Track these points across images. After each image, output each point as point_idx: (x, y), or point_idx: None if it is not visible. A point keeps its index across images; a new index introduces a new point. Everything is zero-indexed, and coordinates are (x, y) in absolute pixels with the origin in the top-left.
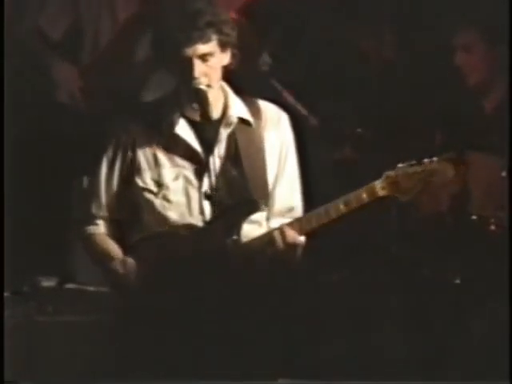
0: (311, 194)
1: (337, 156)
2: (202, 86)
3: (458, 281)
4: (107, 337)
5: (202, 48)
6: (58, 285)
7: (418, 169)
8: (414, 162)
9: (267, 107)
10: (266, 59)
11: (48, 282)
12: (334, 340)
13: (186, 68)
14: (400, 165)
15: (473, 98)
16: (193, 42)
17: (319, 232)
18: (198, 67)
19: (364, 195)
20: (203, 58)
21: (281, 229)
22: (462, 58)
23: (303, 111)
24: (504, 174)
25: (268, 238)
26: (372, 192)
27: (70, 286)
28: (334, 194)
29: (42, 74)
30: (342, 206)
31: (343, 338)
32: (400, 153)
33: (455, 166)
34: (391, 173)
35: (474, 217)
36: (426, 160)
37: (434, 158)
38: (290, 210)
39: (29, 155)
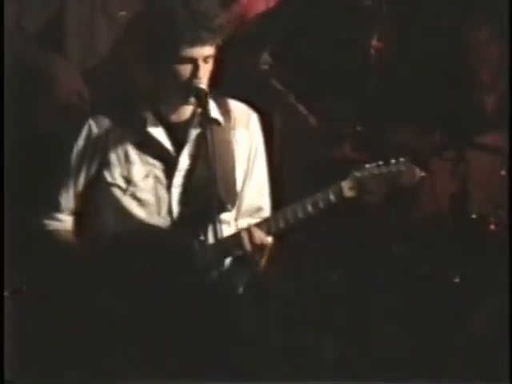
0: (311, 193)
1: (336, 155)
2: (203, 86)
3: (457, 280)
4: (107, 336)
5: (207, 50)
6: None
7: (385, 170)
8: (381, 162)
9: (237, 107)
10: (266, 59)
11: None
12: (334, 340)
13: (187, 67)
14: (367, 165)
15: (473, 97)
16: (202, 43)
17: (319, 231)
18: (202, 68)
19: (331, 196)
20: (205, 59)
21: (248, 229)
22: (463, 58)
23: (303, 111)
24: (503, 172)
25: (236, 238)
26: (339, 192)
27: None
28: None
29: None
30: (309, 207)
31: (343, 338)
32: (400, 152)
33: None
34: (358, 173)
35: (474, 216)
36: (392, 161)
37: (401, 159)
38: (258, 209)
39: (29, 155)
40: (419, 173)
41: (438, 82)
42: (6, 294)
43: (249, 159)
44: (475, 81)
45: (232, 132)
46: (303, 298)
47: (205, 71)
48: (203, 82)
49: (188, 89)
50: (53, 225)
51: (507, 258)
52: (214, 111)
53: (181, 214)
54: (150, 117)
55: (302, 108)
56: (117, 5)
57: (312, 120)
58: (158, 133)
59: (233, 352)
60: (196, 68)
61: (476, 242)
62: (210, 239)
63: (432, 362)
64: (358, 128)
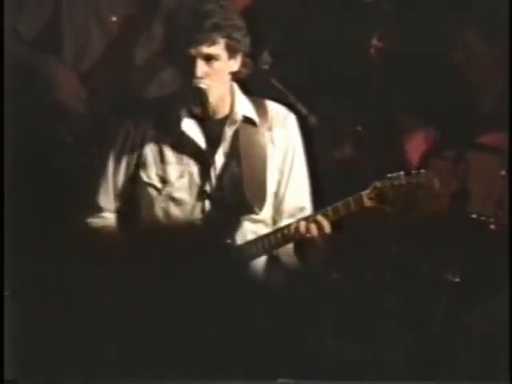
0: (311, 194)
1: (337, 155)
2: (202, 85)
3: (457, 280)
4: (107, 336)
5: (206, 49)
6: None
7: (405, 181)
8: (401, 173)
9: (274, 108)
10: (266, 59)
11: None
12: (334, 340)
13: (189, 66)
14: (389, 175)
15: (472, 97)
16: (197, 42)
17: None
18: (201, 67)
19: (352, 205)
20: (207, 59)
21: (314, 219)
22: (462, 57)
23: (303, 111)
24: (503, 172)
25: (296, 227)
26: (359, 202)
27: None
28: (334, 194)
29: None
30: (330, 214)
31: (343, 338)
32: (400, 152)
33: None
34: (379, 184)
35: (474, 216)
36: (413, 172)
37: (422, 171)
38: (301, 209)
39: (29, 155)
40: (438, 185)
41: (438, 82)
42: (6, 294)
43: (285, 160)
44: (474, 80)
45: (268, 133)
46: (303, 297)
47: (208, 70)
48: (204, 82)
49: (191, 88)
50: (97, 222)
51: (507, 258)
52: (249, 110)
53: (213, 213)
54: (184, 116)
55: (302, 108)
56: (109, 9)
57: (312, 120)
58: (193, 132)
59: (234, 352)
60: (194, 67)
61: (476, 241)
62: (243, 238)
63: (432, 362)
64: (358, 128)
